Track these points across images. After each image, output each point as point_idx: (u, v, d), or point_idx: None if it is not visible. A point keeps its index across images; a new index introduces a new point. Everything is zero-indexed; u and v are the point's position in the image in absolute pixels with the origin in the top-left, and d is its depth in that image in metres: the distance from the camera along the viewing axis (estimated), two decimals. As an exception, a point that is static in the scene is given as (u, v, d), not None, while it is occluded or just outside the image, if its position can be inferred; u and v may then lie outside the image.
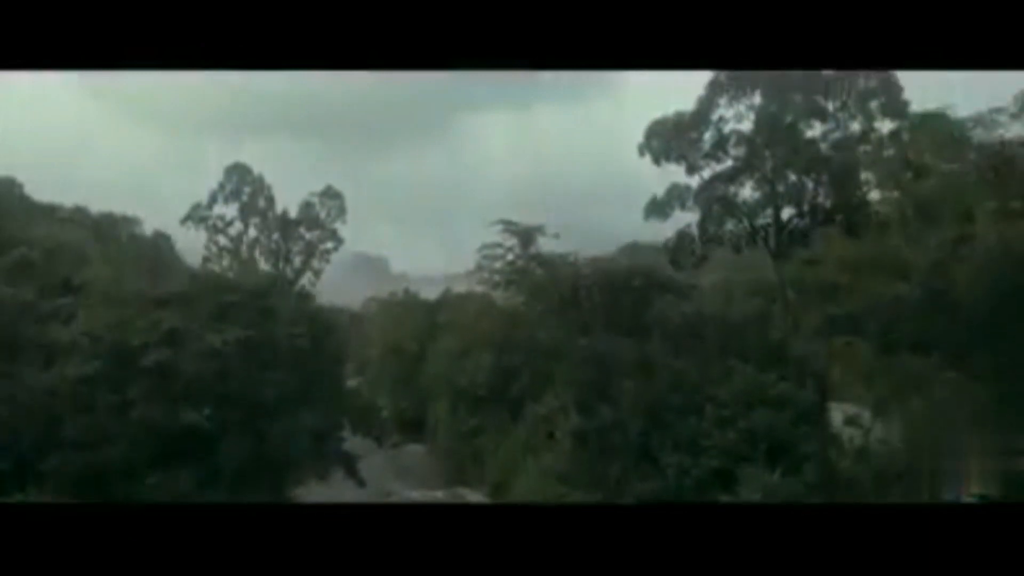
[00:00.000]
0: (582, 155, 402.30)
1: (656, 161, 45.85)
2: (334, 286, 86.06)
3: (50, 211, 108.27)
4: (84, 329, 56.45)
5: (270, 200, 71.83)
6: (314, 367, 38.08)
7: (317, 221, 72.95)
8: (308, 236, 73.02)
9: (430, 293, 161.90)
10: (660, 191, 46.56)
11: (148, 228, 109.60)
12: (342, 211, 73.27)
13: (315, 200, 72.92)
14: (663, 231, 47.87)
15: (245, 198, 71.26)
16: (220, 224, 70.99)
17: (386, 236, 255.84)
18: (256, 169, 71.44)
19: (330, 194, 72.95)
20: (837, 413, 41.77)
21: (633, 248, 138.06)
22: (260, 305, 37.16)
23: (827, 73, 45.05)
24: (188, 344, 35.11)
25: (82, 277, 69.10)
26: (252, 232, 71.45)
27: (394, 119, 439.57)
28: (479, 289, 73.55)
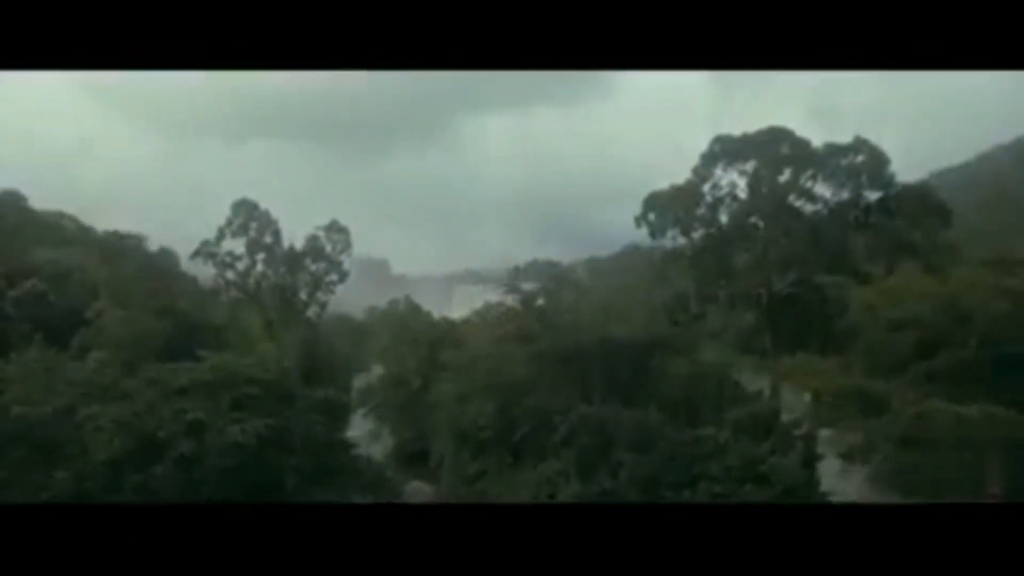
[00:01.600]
0: (582, 156, 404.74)
1: (653, 235, 47.82)
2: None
3: (55, 226, 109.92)
4: (97, 372, 58.55)
5: (276, 235, 73.65)
6: (329, 448, 40.14)
7: (323, 253, 74.78)
8: (313, 268, 74.90)
9: (431, 294, 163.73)
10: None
11: (153, 241, 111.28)
12: (347, 244, 75.14)
13: (321, 234, 74.74)
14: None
15: (252, 233, 73.07)
16: (228, 260, 72.98)
17: (387, 237, 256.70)
18: (257, 169, 73.19)
19: (335, 228, 74.76)
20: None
21: (632, 251, 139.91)
22: (278, 394, 39.26)
23: (816, 146, 47.04)
24: (210, 435, 37.13)
25: (93, 310, 71.22)
26: (259, 267, 73.37)
27: (394, 120, 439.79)
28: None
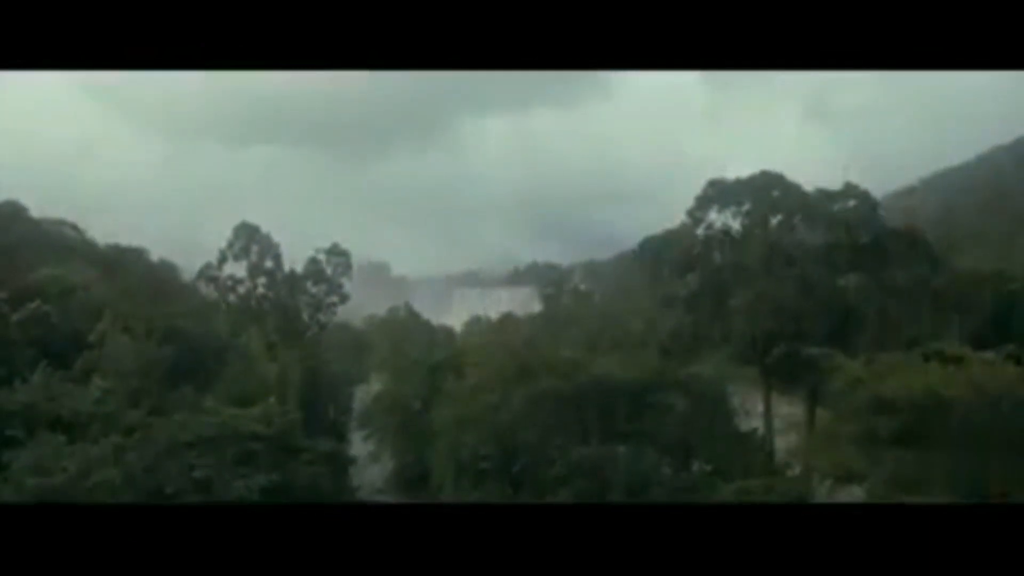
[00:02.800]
0: (581, 156, 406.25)
1: (649, 277, 48.58)
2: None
3: (56, 236, 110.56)
4: (100, 402, 59.60)
5: (277, 258, 74.43)
6: (332, 498, 41.07)
7: (323, 276, 75.55)
8: (314, 291, 75.68)
9: (431, 297, 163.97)
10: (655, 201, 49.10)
11: (154, 249, 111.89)
12: (348, 267, 75.90)
13: (322, 257, 75.48)
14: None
15: (253, 257, 73.84)
16: (230, 283, 73.94)
17: (387, 239, 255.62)
18: (257, 172, 73.40)
19: (336, 251, 75.53)
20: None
21: (632, 255, 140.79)
22: (281, 447, 40.15)
23: (808, 191, 47.75)
24: (216, 490, 38.03)
25: (95, 334, 72.02)
26: (260, 290, 74.20)
27: (393, 121, 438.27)
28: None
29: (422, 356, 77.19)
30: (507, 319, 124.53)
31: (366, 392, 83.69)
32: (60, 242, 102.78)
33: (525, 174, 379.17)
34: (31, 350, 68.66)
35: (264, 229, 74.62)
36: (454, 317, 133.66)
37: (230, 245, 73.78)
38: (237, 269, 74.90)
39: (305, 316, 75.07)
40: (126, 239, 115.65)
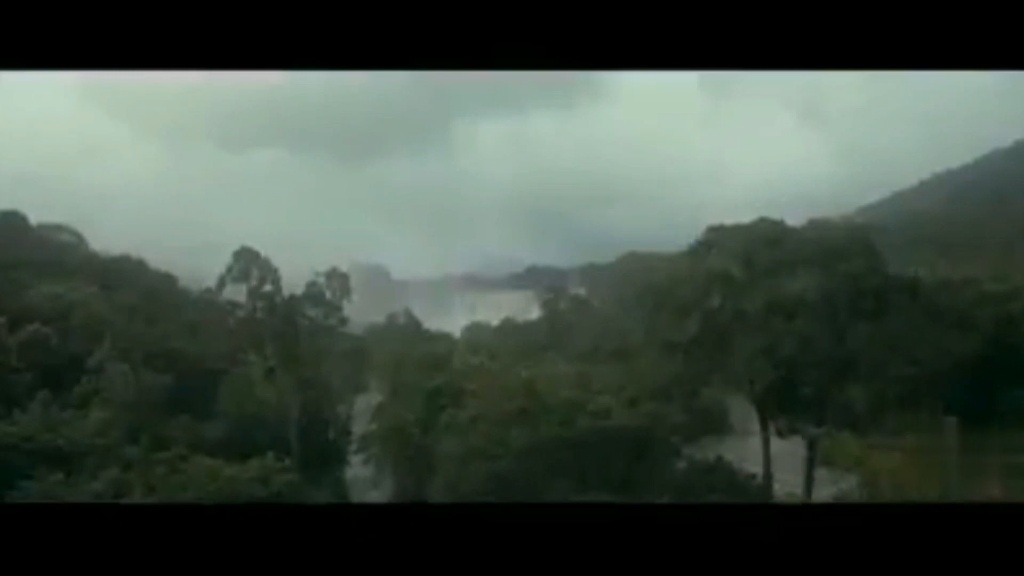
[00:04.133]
0: (579, 160, 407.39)
1: (648, 322, 48.49)
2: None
3: (55, 246, 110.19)
4: (99, 433, 59.79)
5: (276, 283, 74.27)
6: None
7: (322, 300, 75.41)
8: (313, 314, 75.55)
9: (431, 301, 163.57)
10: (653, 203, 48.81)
11: (153, 253, 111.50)
12: (347, 290, 75.74)
13: (321, 279, 75.29)
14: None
15: (253, 281, 73.68)
16: (229, 307, 73.91)
17: (386, 242, 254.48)
18: (256, 174, 72.90)
19: (336, 274, 75.38)
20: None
21: (631, 257, 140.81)
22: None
23: (803, 229, 47.57)
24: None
25: (94, 360, 71.91)
26: (260, 315, 74.06)
27: (391, 125, 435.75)
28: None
29: (420, 379, 76.98)
30: (506, 323, 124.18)
31: (366, 403, 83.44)
32: (59, 252, 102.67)
33: (523, 177, 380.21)
34: (30, 375, 68.70)
35: (263, 233, 74.86)
36: (454, 321, 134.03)
37: (229, 269, 73.62)
38: (236, 293, 74.75)
39: (304, 340, 74.88)
40: (125, 244, 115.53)
